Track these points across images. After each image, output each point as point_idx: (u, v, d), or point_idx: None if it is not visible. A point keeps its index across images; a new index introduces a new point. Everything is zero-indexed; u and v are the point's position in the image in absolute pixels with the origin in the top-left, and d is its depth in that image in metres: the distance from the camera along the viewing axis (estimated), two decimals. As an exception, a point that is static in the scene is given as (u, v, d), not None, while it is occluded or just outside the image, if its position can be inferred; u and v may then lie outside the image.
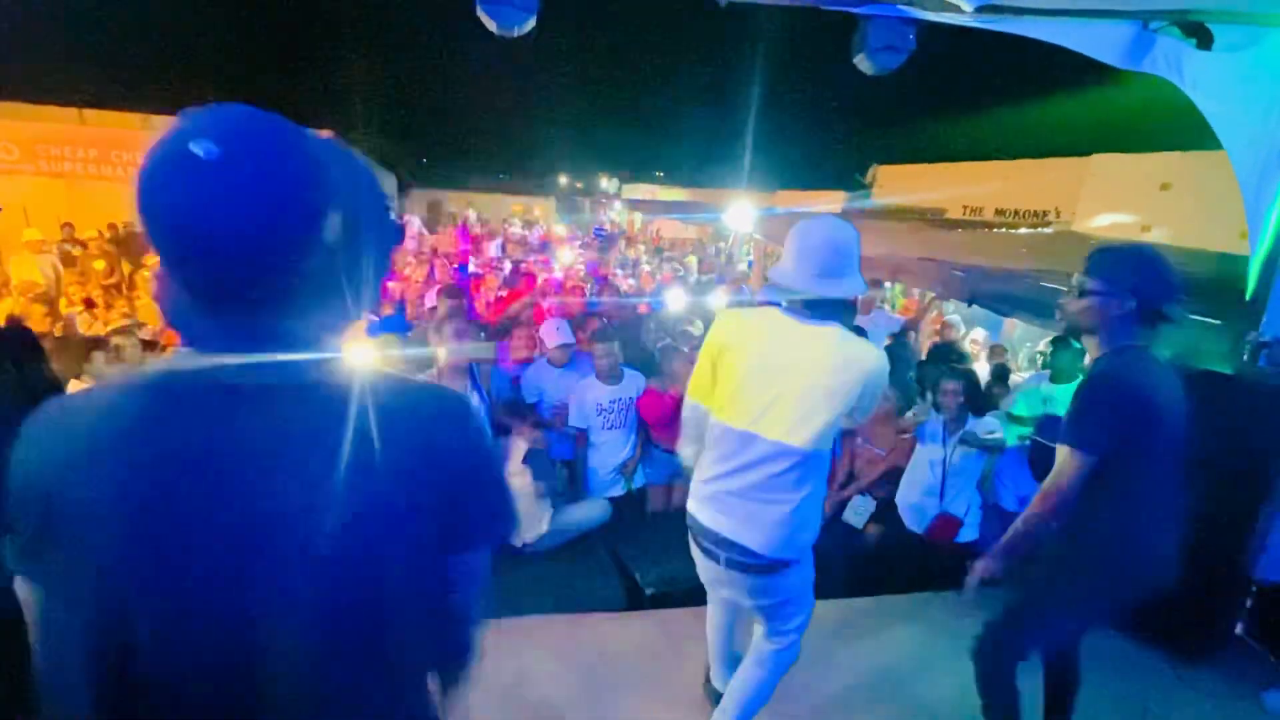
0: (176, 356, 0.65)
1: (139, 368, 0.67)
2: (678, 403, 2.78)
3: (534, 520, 3.19)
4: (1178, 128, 3.85)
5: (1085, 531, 1.72)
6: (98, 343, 3.27)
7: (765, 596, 1.79)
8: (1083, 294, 1.69)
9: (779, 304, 1.72)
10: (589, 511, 3.35)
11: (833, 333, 1.64)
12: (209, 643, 0.63)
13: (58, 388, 2.45)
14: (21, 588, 0.68)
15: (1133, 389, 1.61)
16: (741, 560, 1.71)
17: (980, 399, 3.46)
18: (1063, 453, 1.66)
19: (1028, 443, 3.42)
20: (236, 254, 0.58)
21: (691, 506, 1.82)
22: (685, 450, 1.95)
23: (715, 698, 2.23)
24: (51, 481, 0.63)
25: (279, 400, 0.65)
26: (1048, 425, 2.87)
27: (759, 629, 1.94)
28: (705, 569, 1.87)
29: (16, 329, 2.89)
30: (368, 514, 0.65)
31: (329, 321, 0.68)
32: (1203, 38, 2.65)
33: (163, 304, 0.67)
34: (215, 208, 0.57)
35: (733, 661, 2.12)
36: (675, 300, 5.21)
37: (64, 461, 0.63)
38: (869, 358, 1.63)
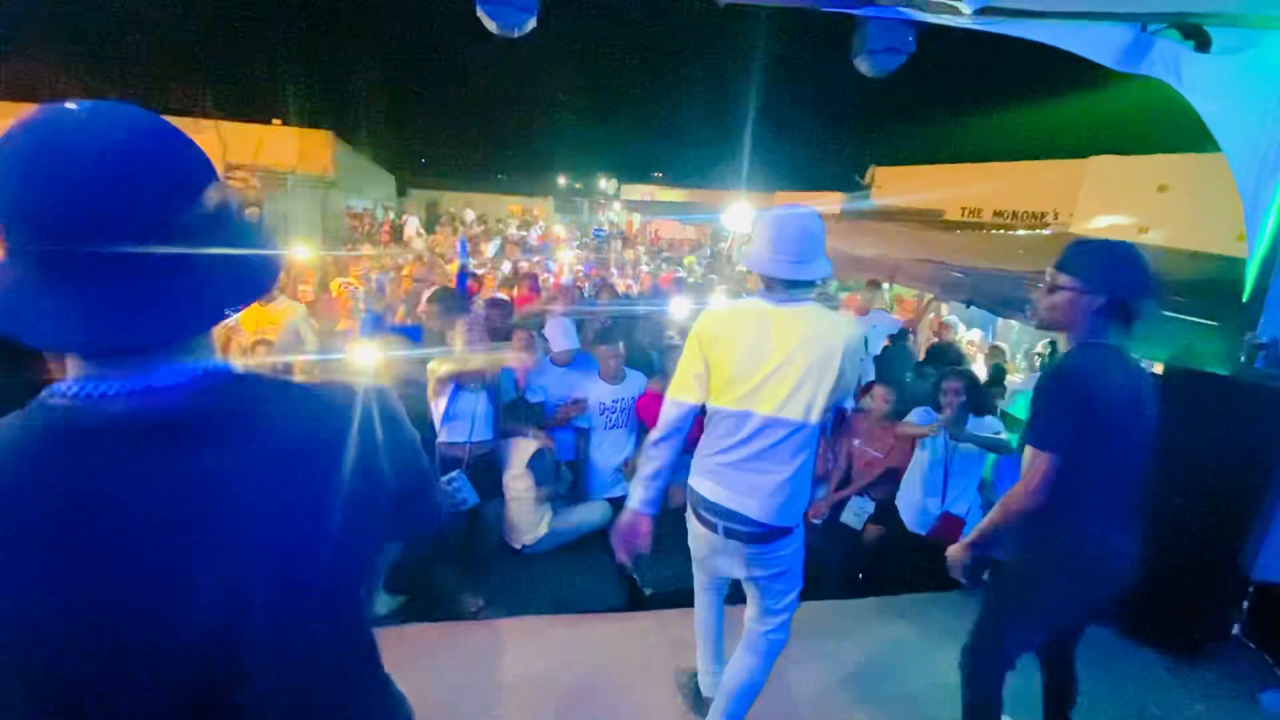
0: (71, 395, 0.58)
1: (24, 412, 0.59)
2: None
3: (534, 522, 3.19)
4: (1176, 130, 3.86)
5: (1047, 531, 1.70)
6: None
7: (761, 567, 1.86)
8: (1055, 289, 1.66)
9: (758, 292, 1.83)
10: (588, 514, 3.36)
11: (809, 311, 1.77)
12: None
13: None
14: None
15: (1087, 387, 1.57)
16: (739, 529, 1.79)
17: (981, 399, 3.46)
18: (1027, 453, 1.65)
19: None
20: (107, 191, 0.53)
21: (691, 480, 1.92)
22: (651, 449, 1.93)
23: (697, 702, 2.24)
24: None
25: (197, 438, 0.59)
26: None
27: (751, 612, 1.99)
28: (702, 540, 1.94)
29: (15, 329, 2.88)
30: (315, 540, 0.62)
31: (188, 318, 0.60)
32: (1201, 40, 2.65)
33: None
34: (90, 139, 0.53)
35: (722, 666, 2.13)
36: (678, 305, 5.21)
37: None
38: (843, 327, 1.77)
